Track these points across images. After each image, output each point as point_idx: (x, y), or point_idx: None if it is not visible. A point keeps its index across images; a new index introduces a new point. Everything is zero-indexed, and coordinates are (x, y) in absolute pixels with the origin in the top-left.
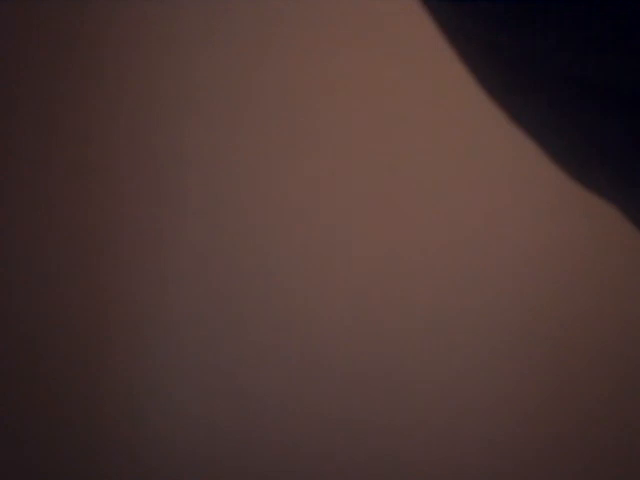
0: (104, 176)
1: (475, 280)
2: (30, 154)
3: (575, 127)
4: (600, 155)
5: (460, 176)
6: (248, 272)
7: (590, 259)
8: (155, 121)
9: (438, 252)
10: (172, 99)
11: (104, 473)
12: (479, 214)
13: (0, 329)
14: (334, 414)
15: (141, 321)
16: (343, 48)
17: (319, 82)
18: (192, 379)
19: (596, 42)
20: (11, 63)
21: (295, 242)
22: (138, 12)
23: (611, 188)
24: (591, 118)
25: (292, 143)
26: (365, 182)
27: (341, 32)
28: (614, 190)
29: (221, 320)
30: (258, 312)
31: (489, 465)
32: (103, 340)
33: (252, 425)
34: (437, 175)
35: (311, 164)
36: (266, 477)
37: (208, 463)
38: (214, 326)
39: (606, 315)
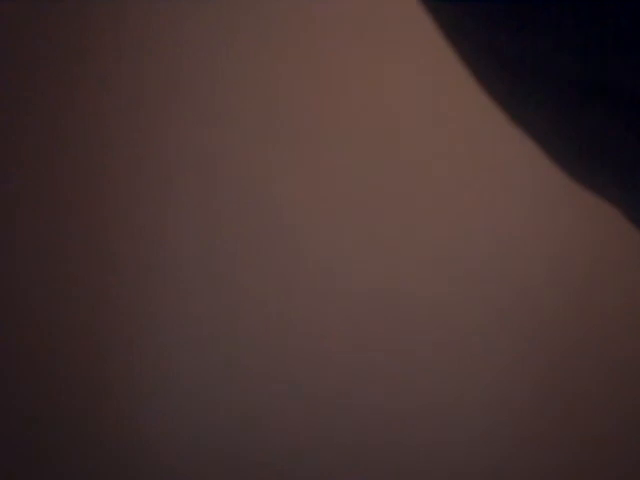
0: (103, 175)
1: (475, 280)
2: (29, 155)
3: (575, 127)
4: (600, 155)
5: (459, 176)
6: (246, 274)
7: (590, 259)
8: (153, 122)
9: (438, 251)
10: (170, 99)
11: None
12: (478, 215)
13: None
14: (335, 417)
15: (140, 326)
16: (343, 48)
17: (319, 83)
18: (189, 383)
19: (596, 42)
20: (9, 64)
21: (293, 242)
22: (139, 12)
23: (611, 188)
24: (591, 118)
25: (292, 145)
26: (365, 184)
27: (341, 32)
28: (614, 190)
29: (218, 329)
30: (257, 312)
31: (490, 466)
32: (102, 342)
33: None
34: (436, 176)
35: (311, 165)
36: (267, 468)
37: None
38: (212, 327)
39: (607, 315)
